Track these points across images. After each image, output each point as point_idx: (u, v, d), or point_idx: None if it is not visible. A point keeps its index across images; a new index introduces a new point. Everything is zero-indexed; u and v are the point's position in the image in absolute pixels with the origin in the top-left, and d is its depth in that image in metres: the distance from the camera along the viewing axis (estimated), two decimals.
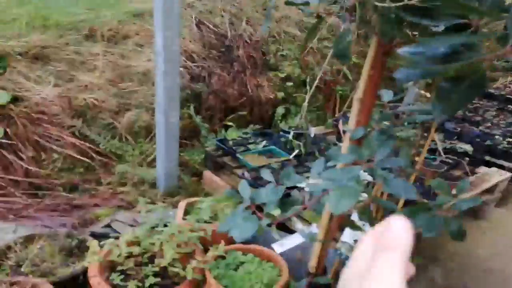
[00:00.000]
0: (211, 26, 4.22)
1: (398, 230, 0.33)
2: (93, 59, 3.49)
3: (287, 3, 0.86)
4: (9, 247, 2.00)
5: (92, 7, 3.99)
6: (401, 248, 0.32)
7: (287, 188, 1.04)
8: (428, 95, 1.51)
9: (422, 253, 2.54)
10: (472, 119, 3.80)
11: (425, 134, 1.32)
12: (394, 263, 0.31)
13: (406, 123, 1.15)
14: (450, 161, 2.75)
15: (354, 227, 1.06)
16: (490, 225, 3.06)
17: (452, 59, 0.56)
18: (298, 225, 0.92)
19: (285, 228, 2.34)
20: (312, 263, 1.10)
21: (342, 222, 1.05)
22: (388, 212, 1.48)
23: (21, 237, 2.06)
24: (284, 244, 1.29)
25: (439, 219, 0.75)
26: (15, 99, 3.01)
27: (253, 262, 1.87)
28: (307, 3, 0.82)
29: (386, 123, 0.96)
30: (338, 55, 0.82)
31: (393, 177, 0.68)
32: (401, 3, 0.60)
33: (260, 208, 0.95)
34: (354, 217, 1.57)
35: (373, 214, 1.44)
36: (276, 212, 0.95)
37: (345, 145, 0.94)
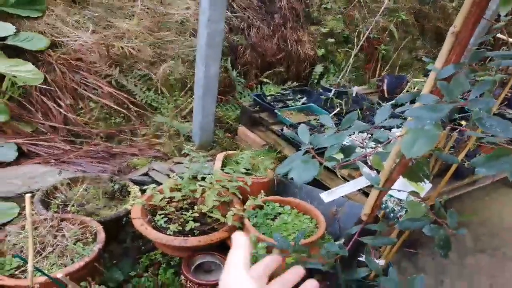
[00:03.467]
0: None
1: (236, 239, 0.58)
2: (131, 5, 3.54)
3: None
4: (55, 188, 2.18)
5: None
6: (238, 247, 0.56)
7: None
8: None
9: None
10: None
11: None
12: (233, 255, 0.55)
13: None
14: None
15: (415, 177, 1.09)
16: None
17: None
18: (365, 169, 0.96)
19: (322, 187, 2.42)
20: (365, 211, 1.15)
21: (404, 171, 1.08)
22: (448, 165, 1.50)
23: (66, 178, 2.24)
24: (333, 193, 1.35)
25: None
26: (53, 45, 3.14)
27: (290, 214, 1.97)
28: None
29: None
30: None
31: (488, 116, 0.68)
32: None
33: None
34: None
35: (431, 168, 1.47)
36: (339, 156, 0.99)
37: (427, 86, 0.92)
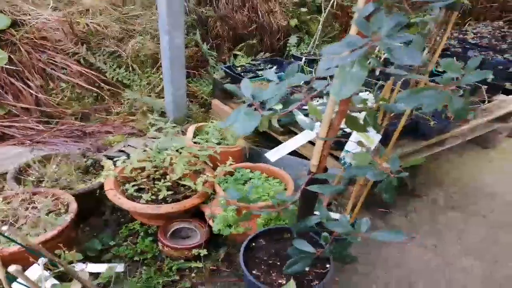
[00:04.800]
0: None
1: None
2: None
3: None
4: (28, 165, 2.24)
5: None
6: None
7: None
8: None
9: (427, 178, 2.77)
10: (498, 47, 3.81)
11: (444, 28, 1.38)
12: None
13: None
14: (469, 87, 2.84)
15: (359, 127, 1.18)
16: (498, 153, 3.23)
17: None
18: (300, 116, 1.04)
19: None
20: (313, 162, 1.23)
21: (345, 119, 1.16)
22: (395, 115, 1.61)
23: (38, 156, 2.30)
24: (279, 150, 1.42)
25: (443, 94, 0.80)
26: (14, 24, 3.13)
27: (260, 178, 2.08)
28: None
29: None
30: None
31: (400, 47, 0.72)
32: None
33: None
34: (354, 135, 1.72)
35: (380, 119, 1.58)
36: (278, 107, 1.09)
37: (353, 29, 0.96)
